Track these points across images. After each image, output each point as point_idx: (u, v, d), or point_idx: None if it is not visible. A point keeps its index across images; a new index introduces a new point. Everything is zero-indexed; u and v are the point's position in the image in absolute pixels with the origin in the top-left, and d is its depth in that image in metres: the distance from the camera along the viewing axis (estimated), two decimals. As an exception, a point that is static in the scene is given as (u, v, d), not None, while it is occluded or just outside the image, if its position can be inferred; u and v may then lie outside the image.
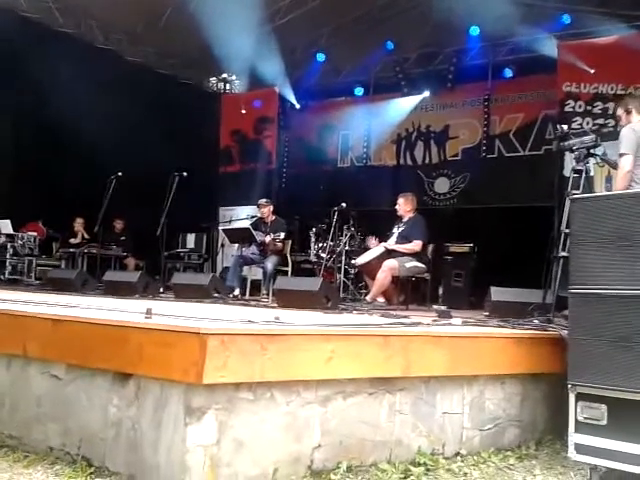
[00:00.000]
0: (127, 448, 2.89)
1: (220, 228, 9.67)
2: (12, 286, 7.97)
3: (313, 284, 5.59)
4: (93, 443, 3.01)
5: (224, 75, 11.87)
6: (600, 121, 8.05)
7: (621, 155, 4.43)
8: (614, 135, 5.01)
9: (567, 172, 5.39)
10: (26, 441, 3.26)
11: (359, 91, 11.29)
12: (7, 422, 3.39)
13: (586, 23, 8.39)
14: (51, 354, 3.25)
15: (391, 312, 5.35)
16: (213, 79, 12.15)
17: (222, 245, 9.85)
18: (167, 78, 11.20)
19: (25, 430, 3.29)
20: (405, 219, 7.15)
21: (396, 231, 7.13)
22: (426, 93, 10.62)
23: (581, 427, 3.22)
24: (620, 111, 4.63)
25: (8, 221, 9.09)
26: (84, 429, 3.06)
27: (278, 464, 2.88)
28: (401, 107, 10.89)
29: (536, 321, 4.30)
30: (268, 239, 7.85)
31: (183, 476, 2.66)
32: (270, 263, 7.78)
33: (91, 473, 2.89)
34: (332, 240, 7.70)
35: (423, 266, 6.87)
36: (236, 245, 8.43)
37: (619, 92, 7.83)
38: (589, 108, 8.23)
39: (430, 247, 7.25)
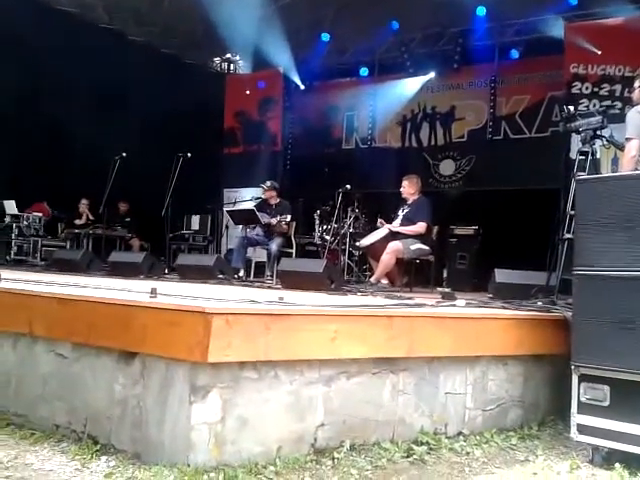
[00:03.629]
0: (132, 426, 2.92)
1: (224, 209, 9.67)
2: (18, 266, 8.01)
3: (317, 266, 5.60)
4: (99, 421, 3.04)
5: (228, 55, 11.80)
6: (607, 103, 7.96)
7: (627, 139, 4.40)
8: (621, 117, 4.96)
9: (573, 154, 5.36)
10: (32, 419, 3.30)
11: (364, 72, 11.21)
12: (14, 400, 3.42)
13: (593, 4, 8.29)
14: (57, 333, 3.27)
15: (395, 294, 5.36)
16: (217, 59, 12.09)
17: (226, 227, 9.86)
18: (171, 58, 11.15)
19: (31, 408, 3.33)
20: (409, 201, 7.14)
21: (401, 213, 7.12)
22: (432, 74, 10.52)
23: (584, 408, 3.24)
24: (636, 84, 4.54)
25: (13, 202, 9.11)
26: (90, 407, 3.09)
27: (282, 442, 2.91)
28: (406, 88, 10.81)
29: (540, 303, 4.31)
30: (274, 221, 7.84)
31: (188, 453, 2.68)
32: (274, 245, 7.79)
33: (97, 451, 2.92)
34: (336, 222, 7.69)
35: (427, 248, 6.86)
36: (240, 227, 8.43)
37: (627, 74, 7.75)
38: (596, 90, 8.16)
39: (435, 229, 7.24)
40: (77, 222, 9.77)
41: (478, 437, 3.54)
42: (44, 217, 9.46)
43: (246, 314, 2.83)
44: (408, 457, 3.14)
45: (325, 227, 8.59)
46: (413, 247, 6.71)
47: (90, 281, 4.97)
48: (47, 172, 8.79)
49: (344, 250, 7.89)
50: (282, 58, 10.65)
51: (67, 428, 3.15)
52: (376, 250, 6.87)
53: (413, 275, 7.00)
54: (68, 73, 8.51)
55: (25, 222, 9.14)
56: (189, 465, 2.66)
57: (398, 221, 7.06)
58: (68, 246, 9.40)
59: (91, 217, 9.71)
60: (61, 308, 3.26)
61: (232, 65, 12.30)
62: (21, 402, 3.38)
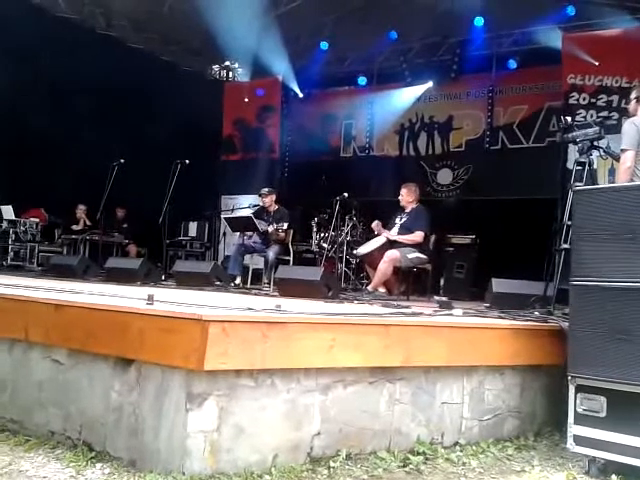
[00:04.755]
0: (128, 433, 2.90)
1: (222, 216, 9.67)
2: (14, 272, 7.99)
3: (314, 274, 5.61)
4: (94, 428, 3.03)
5: (227, 63, 11.82)
6: (604, 114, 8.01)
7: (622, 150, 4.42)
8: (618, 128, 5.00)
9: (570, 164, 5.37)
10: (27, 425, 3.28)
11: (362, 80, 11.23)
12: (8, 406, 3.41)
13: (591, 15, 8.33)
14: (53, 339, 3.26)
15: (392, 302, 5.36)
16: (216, 67, 12.10)
17: (224, 234, 9.87)
18: (170, 65, 11.16)
19: (26, 414, 3.31)
20: (407, 209, 7.15)
21: (398, 222, 7.13)
22: (430, 83, 10.55)
23: (580, 419, 3.24)
24: (633, 95, 4.58)
25: (10, 207, 9.09)
26: (85, 414, 3.08)
27: (278, 451, 2.90)
28: (404, 97, 10.84)
29: (537, 313, 4.31)
30: (271, 229, 7.84)
31: (183, 461, 2.67)
32: (272, 252, 7.78)
33: (92, 458, 2.91)
34: (334, 230, 7.69)
35: (425, 257, 6.87)
36: (238, 234, 8.43)
37: (624, 85, 7.79)
38: (593, 100, 8.19)
39: (432, 238, 7.24)
40: (74, 228, 9.76)
41: (474, 447, 3.54)
42: (41, 223, 9.44)
43: (243, 322, 2.83)
44: (404, 467, 3.14)
45: (323, 235, 8.59)
46: (410, 256, 6.72)
47: (86, 287, 4.96)
48: (45, 178, 8.77)
49: (341, 258, 7.89)
50: (281, 66, 10.68)
51: (62, 435, 3.14)
52: (373, 258, 6.87)
53: (410, 284, 7.00)
54: (67, 79, 8.50)
55: (22, 227, 9.12)
56: (184, 473, 2.66)
57: (396, 229, 7.07)
58: (65, 252, 9.39)
59: (88, 223, 9.70)
60: (57, 314, 3.25)
61: (231, 73, 12.29)
62: (16, 408, 3.37)
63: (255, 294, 6.23)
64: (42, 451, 3.02)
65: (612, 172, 6.88)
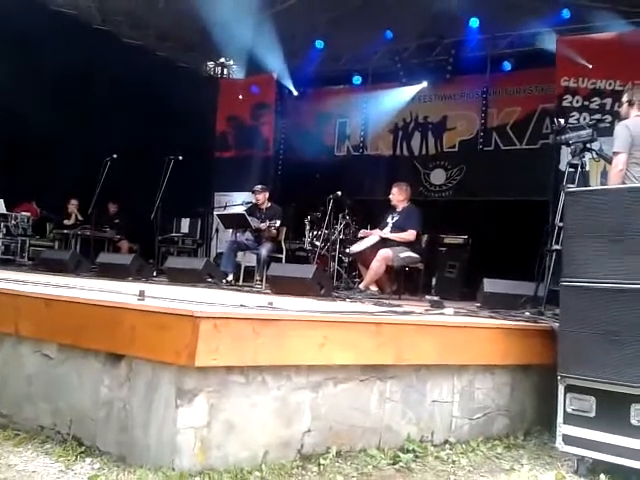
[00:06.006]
0: (118, 428, 2.90)
1: (215, 213, 9.66)
2: (5, 266, 7.94)
3: (307, 271, 5.61)
4: (84, 423, 3.02)
5: (222, 60, 11.80)
6: (597, 116, 8.03)
7: (614, 153, 4.45)
8: (611, 130, 5.01)
9: (563, 166, 5.41)
10: (16, 420, 3.27)
11: (357, 80, 11.25)
12: (-2, 400, 3.40)
13: (586, 18, 8.35)
14: (43, 333, 3.25)
15: (384, 301, 5.37)
16: (211, 64, 12.09)
17: (216, 230, 9.84)
18: (165, 61, 11.12)
19: (16, 409, 3.30)
20: (399, 209, 7.16)
21: (390, 221, 7.14)
22: (424, 83, 10.57)
23: (569, 418, 3.26)
24: (625, 98, 4.61)
25: (1, 201, 9.04)
26: (75, 409, 3.07)
27: (268, 447, 2.91)
28: (399, 97, 10.85)
29: (527, 313, 4.34)
30: (264, 226, 7.83)
31: (173, 457, 2.67)
32: (264, 249, 7.77)
33: (81, 452, 2.91)
34: (327, 228, 7.69)
35: (417, 256, 6.88)
36: (230, 231, 8.42)
37: (617, 88, 7.82)
38: (586, 103, 8.23)
39: (424, 238, 7.26)
40: (66, 222, 9.72)
41: (464, 445, 3.55)
42: (32, 217, 9.40)
43: (235, 318, 2.83)
44: (394, 464, 3.15)
45: (315, 233, 8.59)
46: (403, 255, 6.73)
47: (77, 282, 4.94)
48: (37, 172, 8.72)
49: (334, 256, 7.89)
50: (276, 64, 10.65)
51: (52, 429, 3.13)
52: (366, 257, 6.88)
53: (402, 283, 7.01)
54: (61, 73, 8.45)
55: (13, 221, 9.07)
56: (174, 469, 2.65)
57: (388, 229, 7.07)
58: (56, 246, 9.34)
59: (80, 218, 9.66)
60: (48, 309, 3.24)
61: (226, 69, 12.28)
62: (5, 402, 3.36)
63: (247, 291, 6.22)
64: (31, 445, 3.01)
65: (604, 174, 6.90)
